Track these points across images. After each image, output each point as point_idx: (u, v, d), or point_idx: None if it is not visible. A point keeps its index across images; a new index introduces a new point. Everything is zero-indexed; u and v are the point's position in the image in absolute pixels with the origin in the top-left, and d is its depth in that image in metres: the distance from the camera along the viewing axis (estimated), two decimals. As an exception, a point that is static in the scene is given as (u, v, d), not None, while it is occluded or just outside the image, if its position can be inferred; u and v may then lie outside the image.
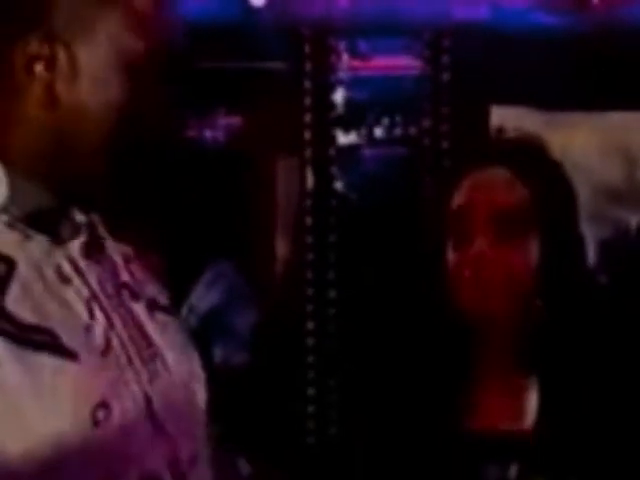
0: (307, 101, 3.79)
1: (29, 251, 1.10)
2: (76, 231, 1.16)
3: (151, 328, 1.20)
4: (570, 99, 3.69)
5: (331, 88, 3.79)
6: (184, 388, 1.22)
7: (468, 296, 1.52)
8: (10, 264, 1.08)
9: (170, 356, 1.21)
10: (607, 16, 3.66)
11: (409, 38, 3.78)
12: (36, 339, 1.05)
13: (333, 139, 3.81)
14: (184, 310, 3.40)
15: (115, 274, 1.21)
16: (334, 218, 3.80)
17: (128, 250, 1.27)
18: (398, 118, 3.86)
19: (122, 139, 1.13)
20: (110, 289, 1.18)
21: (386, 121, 3.86)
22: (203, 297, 3.67)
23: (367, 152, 3.87)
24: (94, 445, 1.06)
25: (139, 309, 1.21)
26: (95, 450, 1.06)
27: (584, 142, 3.77)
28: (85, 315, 1.12)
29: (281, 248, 3.89)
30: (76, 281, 1.13)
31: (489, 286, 1.50)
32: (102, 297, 1.15)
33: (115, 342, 1.14)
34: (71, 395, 1.06)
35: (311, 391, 3.74)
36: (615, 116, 3.77)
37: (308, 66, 3.78)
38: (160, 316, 1.24)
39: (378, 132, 3.87)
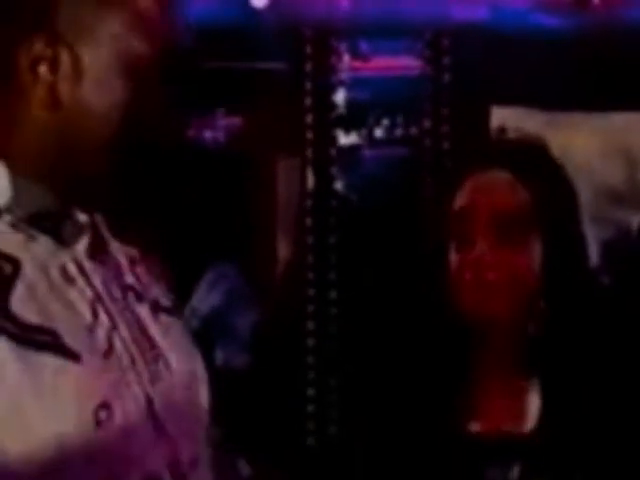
0: (308, 102, 3.79)
1: (34, 252, 1.10)
2: (79, 232, 1.16)
3: (154, 330, 1.20)
4: (571, 100, 3.69)
5: (332, 89, 3.80)
6: (186, 389, 1.22)
7: (469, 298, 1.52)
8: (15, 264, 1.08)
9: (173, 357, 1.21)
10: (607, 17, 3.66)
11: (410, 39, 3.79)
12: (39, 339, 1.05)
13: (334, 139, 3.81)
14: (186, 312, 3.40)
15: (119, 275, 1.21)
16: (335, 218, 3.80)
17: (133, 251, 1.27)
18: (399, 119, 3.87)
19: (125, 140, 1.13)
20: (114, 290, 1.18)
21: (387, 122, 3.87)
22: (204, 299, 3.68)
23: (368, 152, 3.87)
24: (96, 446, 1.06)
25: (143, 311, 1.21)
26: (97, 451, 1.06)
27: (585, 143, 3.77)
28: (89, 316, 1.12)
29: (282, 249, 3.90)
30: (80, 282, 1.13)
31: (490, 288, 1.50)
32: (106, 298, 1.15)
33: (118, 343, 1.14)
34: (73, 395, 1.06)
35: (311, 391, 3.74)
36: (616, 117, 3.78)
37: (309, 67, 3.78)
38: (164, 317, 1.24)
39: (379, 132, 3.87)
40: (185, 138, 3.51)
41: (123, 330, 1.15)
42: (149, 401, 1.14)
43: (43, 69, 1.09)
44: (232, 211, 3.78)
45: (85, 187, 1.14)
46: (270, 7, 3.61)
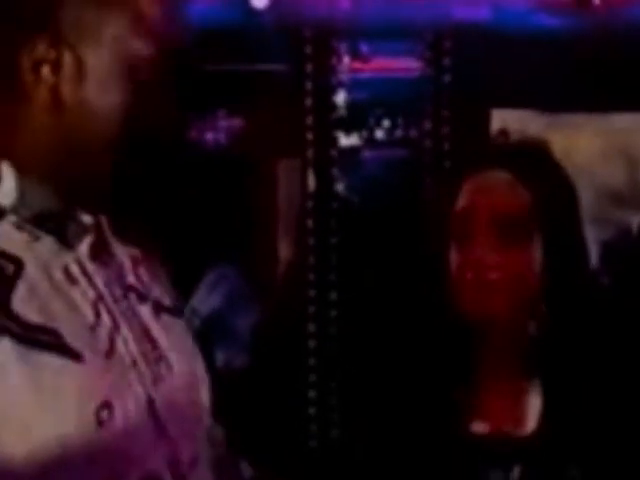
0: (308, 103, 3.79)
1: (37, 252, 1.11)
2: (83, 233, 1.16)
3: (156, 330, 1.21)
4: (572, 101, 3.69)
5: (332, 90, 3.80)
6: (188, 390, 1.23)
7: (470, 299, 1.51)
8: (18, 264, 1.08)
9: (175, 358, 1.21)
10: (609, 17, 3.66)
11: (410, 40, 3.79)
12: (41, 339, 1.06)
13: (334, 141, 3.81)
14: (186, 312, 3.40)
15: (122, 276, 1.21)
16: (335, 220, 3.81)
17: (136, 252, 1.27)
18: (399, 120, 3.87)
19: (127, 141, 1.13)
20: (117, 291, 1.18)
21: (387, 123, 3.87)
22: (205, 300, 3.68)
23: (368, 154, 3.87)
24: (97, 445, 1.07)
25: (145, 311, 1.21)
26: (98, 450, 1.07)
27: (586, 144, 3.77)
28: (91, 316, 1.12)
29: (282, 250, 3.90)
30: (83, 282, 1.14)
31: (491, 289, 1.50)
32: (108, 299, 1.16)
33: (120, 344, 1.14)
34: (75, 395, 1.06)
35: (312, 393, 3.74)
36: (617, 118, 3.78)
37: (309, 68, 3.78)
38: (166, 318, 1.25)
39: (379, 134, 3.87)
40: (187, 139, 3.51)
41: (125, 330, 1.15)
42: (150, 401, 1.14)
43: (46, 71, 1.10)
44: (233, 212, 3.78)
45: (88, 188, 1.15)
46: (270, 8, 3.61)
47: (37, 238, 1.11)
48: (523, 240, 1.52)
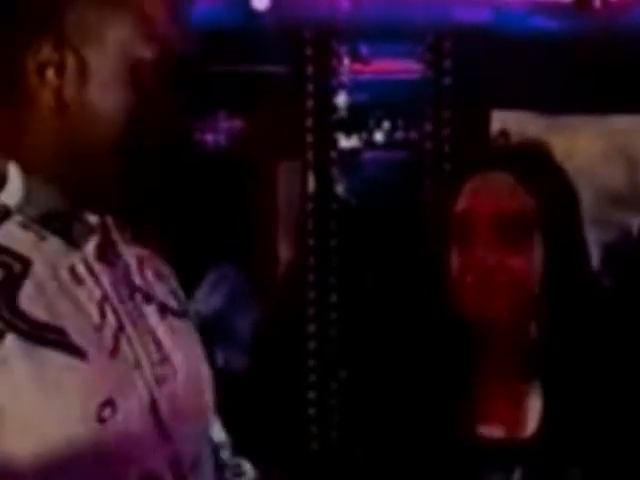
0: (309, 104, 3.80)
1: (44, 251, 1.11)
2: (89, 233, 1.17)
3: (161, 331, 1.21)
4: (572, 103, 3.69)
5: (332, 91, 3.80)
6: (191, 391, 1.23)
7: (470, 301, 1.51)
8: (25, 263, 1.09)
9: (179, 359, 1.21)
10: (609, 20, 3.66)
11: (411, 42, 3.79)
12: (47, 336, 1.07)
13: (334, 142, 3.82)
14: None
15: (128, 276, 1.22)
16: (335, 221, 3.81)
17: (143, 252, 1.28)
18: (399, 122, 3.87)
19: (131, 143, 1.13)
20: (123, 291, 1.19)
21: (387, 124, 3.87)
22: (205, 300, 3.68)
23: (368, 155, 3.88)
24: (98, 443, 1.07)
25: (151, 312, 1.22)
26: (99, 448, 1.07)
27: (587, 146, 3.77)
28: (96, 316, 1.13)
29: (283, 251, 3.90)
30: (89, 282, 1.14)
31: (492, 291, 1.50)
32: (114, 299, 1.16)
33: (124, 343, 1.14)
34: (78, 392, 1.07)
35: (313, 395, 3.74)
36: (617, 119, 3.78)
37: (310, 69, 3.79)
38: (171, 319, 1.25)
39: (379, 135, 3.87)
40: (192, 141, 3.51)
41: (130, 330, 1.16)
42: (153, 401, 1.14)
43: (50, 73, 1.10)
44: (233, 213, 3.79)
45: (93, 189, 1.15)
46: (271, 10, 3.61)
47: (43, 238, 1.12)
48: (524, 242, 1.52)
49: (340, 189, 3.82)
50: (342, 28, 3.72)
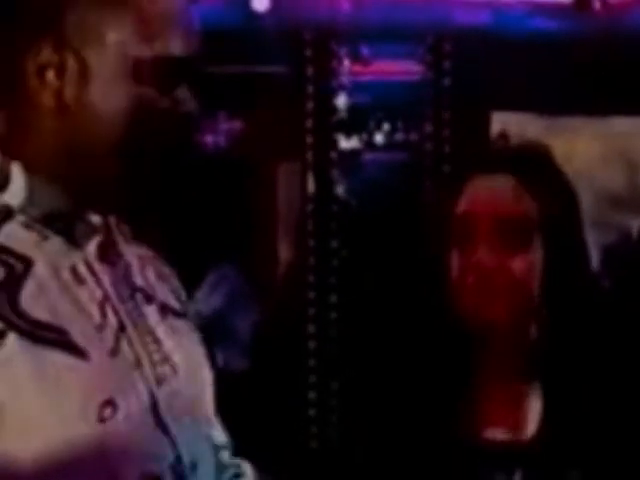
0: (309, 106, 3.80)
1: (46, 251, 1.12)
2: (91, 233, 1.17)
3: (162, 331, 1.21)
4: (571, 104, 3.69)
5: (332, 93, 3.80)
6: (191, 391, 1.23)
7: (470, 302, 1.51)
8: (27, 263, 1.10)
9: (179, 359, 1.21)
10: (608, 21, 3.67)
11: (411, 43, 3.79)
12: (47, 336, 1.07)
13: (334, 144, 3.82)
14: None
15: (129, 277, 1.22)
16: (335, 222, 3.81)
17: (145, 252, 1.28)
18: (399, 123, 3.87)
19: (132, 143, 1.14)
20: (124, 291, 1.19)
21: (387, 126, 3.87)
22: (206, 300, 3.68)
23: (368, 157, 3.88)
24: (99, 442, 1.07)
25: (151, 312, 1.22)
26: (100, 447, 1.08)
27: (585, 148, 3.77)
28: (97, 316, 1.13)
29: (283, 252, 3.90)
30: (90, 282, 1.15)
31: (492, 293, 1.50)
32: (115, 299, 1.17)
33: (125, 343, 1.15)
34: (78, 391, 1.07)
35: (313, 395, 3.74)
36: (617, 122, 3.78)
37: (310, 71, 3.79)
38: (172, 319, 1.25)
39: (379, 137, 3.87)
40: (195, 142, 3.50)
41: (130, 330, 1.16)
42: (153, 402, 1.15)
43: (50, 75, 1.10)
44: (233, 214, 3.79)
45: (95, 189, 1.15)
46: (271, 11, 3.61)
47: (46, 238, 1.12)
48: (524, 244, 1.52)
49: (340, 190, 3.82)
50: (342, 29, 3.72)
